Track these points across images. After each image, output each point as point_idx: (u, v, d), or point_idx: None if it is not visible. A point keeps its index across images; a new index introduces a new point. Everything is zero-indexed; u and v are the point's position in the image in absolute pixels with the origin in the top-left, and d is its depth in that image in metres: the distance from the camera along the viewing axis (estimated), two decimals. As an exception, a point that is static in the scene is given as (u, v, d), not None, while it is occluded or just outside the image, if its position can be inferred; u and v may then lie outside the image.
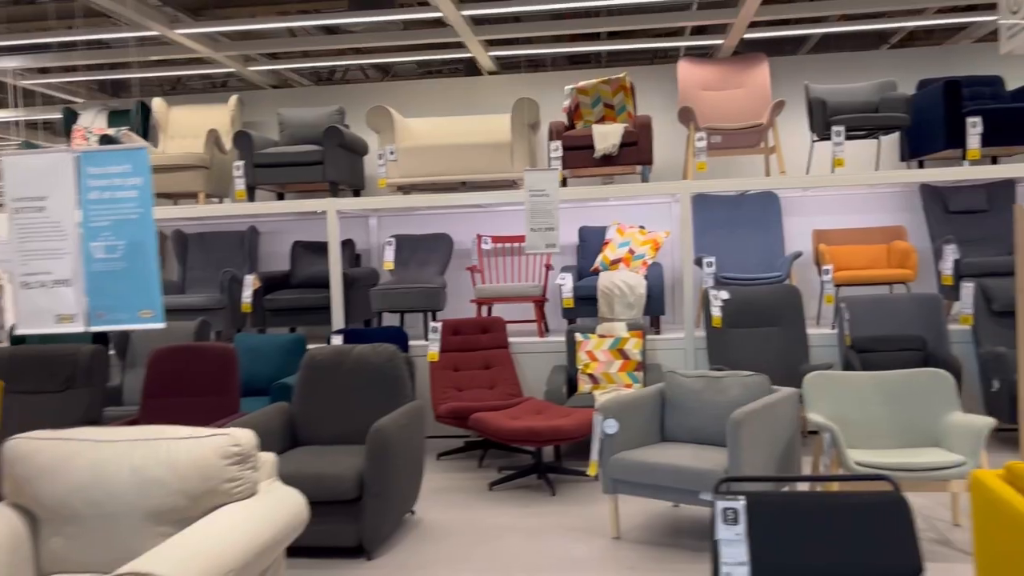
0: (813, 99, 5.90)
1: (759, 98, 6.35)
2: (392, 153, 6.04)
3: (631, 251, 5.98)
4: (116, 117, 7.03)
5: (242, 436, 2.41)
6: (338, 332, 5.89)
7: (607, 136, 5.84)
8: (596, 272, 6.13)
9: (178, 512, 2.33)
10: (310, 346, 5.88)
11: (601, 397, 5.10)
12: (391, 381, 4.05)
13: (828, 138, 5.86)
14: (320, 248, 6.75)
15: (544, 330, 6.11)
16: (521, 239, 6.61)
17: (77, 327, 2.52)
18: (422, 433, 4.09)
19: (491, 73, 7.62)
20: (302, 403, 4.09)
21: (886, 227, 6.17)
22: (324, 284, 6.42)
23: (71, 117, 7.00)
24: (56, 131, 9.49)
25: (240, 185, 6.14)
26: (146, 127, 6.90)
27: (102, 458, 2.39)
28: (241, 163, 6.12)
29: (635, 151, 5.85)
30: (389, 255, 6.23)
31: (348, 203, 5.98)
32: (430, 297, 6.11)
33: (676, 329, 6.16)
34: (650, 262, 5.90)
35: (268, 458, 2.58)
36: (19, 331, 2.52)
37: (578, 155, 5.87)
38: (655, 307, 5.72)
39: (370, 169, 7.26)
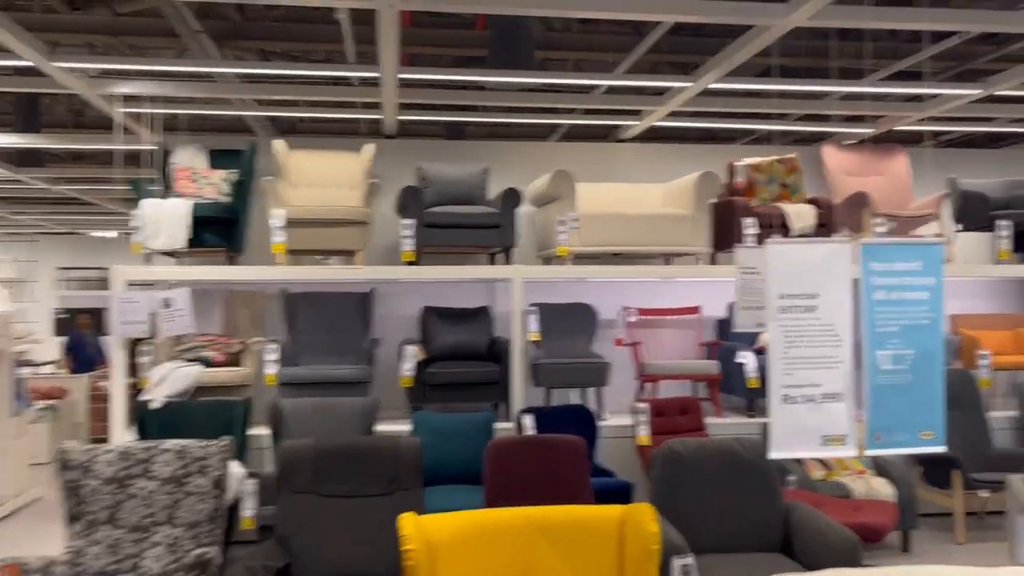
0: (968, 192, 6.23)
1: (900, 187, 6.63)
2: (576, 221, 5.69)
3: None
4: (220, 158, 6.13)
5: None
6: (527, 411, 5.39)
7: (801, 216, 5.85)
8: (761, 351, 6.05)
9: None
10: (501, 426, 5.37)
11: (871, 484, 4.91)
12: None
13: (981, 229, 6.18)
14: (457, 315, 6.20)
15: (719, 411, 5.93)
16: (668, 312, 6.44)
17: (848, 451, 2.13)
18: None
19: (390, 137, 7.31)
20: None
21: (1010, 315, 6.59)
22: (470, 356, 5.88)
23: (162, 154, 6.05)
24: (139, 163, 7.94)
25: (408, 246, 5.53)
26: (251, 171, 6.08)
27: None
28: (412, 222, 5.52)
29: (824, 232, 5.90)
30: (533, 325, 5.83)
31: (535, 271, 5.55)
32: (600, 373, 5.78)
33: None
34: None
35: None
36: (775, 453, 2.09)
37: (769, 234, 5.82)
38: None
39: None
